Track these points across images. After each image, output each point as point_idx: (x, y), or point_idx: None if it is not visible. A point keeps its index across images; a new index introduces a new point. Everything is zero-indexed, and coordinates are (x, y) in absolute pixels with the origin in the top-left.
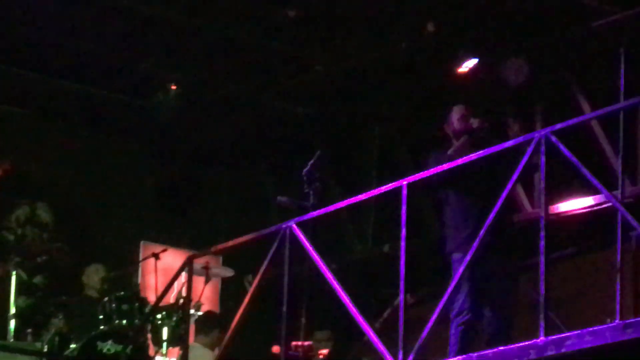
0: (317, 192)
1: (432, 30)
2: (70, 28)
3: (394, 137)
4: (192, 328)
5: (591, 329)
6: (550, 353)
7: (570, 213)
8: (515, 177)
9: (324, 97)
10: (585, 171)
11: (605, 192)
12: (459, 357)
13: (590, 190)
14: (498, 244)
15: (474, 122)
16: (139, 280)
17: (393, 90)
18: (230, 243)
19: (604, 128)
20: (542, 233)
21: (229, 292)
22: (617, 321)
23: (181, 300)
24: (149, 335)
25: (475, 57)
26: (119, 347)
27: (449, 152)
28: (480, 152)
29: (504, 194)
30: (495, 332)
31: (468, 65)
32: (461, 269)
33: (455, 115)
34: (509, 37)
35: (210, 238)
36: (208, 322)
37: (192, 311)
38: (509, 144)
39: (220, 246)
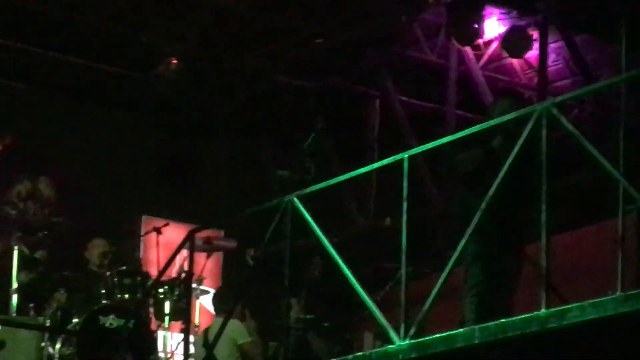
0: (319, 166)
1: (432, 2)
2: (70, 2)
3: (395, 110)
4: (194, 302)
5: (593, 300)
6: (552, 325)
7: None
8: (516, 150)
9: (324, 70)
10: (587, 144)
11: (606, 164)
12: (462, 329)
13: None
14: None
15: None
16: (141, 254)
17: (394, 63)
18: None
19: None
20: (544, 206)
21: (231, 266)
22: (618, 293)
23: (183, 275)
24: (151, 310)
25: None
26: (121, 322)
27: (457, 157)
28: (479, 125)
29: (504, 169)
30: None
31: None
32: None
33: (500, 107)
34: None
35: (211, 212)
36: (225, 297)
37: (194, 285)
38: (510, 116)
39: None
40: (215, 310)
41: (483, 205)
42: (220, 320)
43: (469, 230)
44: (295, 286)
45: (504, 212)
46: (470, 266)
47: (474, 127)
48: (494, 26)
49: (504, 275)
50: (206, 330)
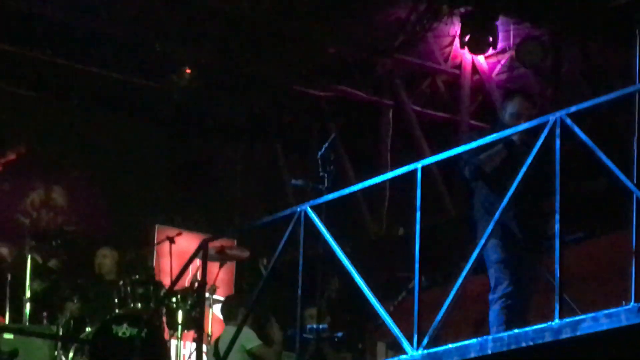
0: (332, 175)
1: (446, 13)
2: (84, 10)
3: (408, 120)
4: (207, 312)
5: (606, 311)
6: (565, 336)
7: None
8: (530, 160)
9: (339, 78)
10: (600, 154)
11: (620, 175)
12: (474, 339)
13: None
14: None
15: (518, 136)
16: (154, 263)
17: (407, 71)
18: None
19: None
20: (557, 216)
21: (244, 275)
22: (632, 303)
23: (196, 284)
24: (164, 319)
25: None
26: (134, 331)
27: (481, 156)
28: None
29: (519, 178)
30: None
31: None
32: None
33: (511, 108)
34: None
35: (225, 221)
36: (234, 305)
37: (207, 294)
38: (524, 126)
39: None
40: (224, 319)
41: (504, 203)
42: (230, 329)
43: (489, 233)
44: (309, 296)
45: (527, 215)
46: (496, 273)
47: (487, 137)
48: (507, 36)
49: (530, 281)
50: (217, 340)
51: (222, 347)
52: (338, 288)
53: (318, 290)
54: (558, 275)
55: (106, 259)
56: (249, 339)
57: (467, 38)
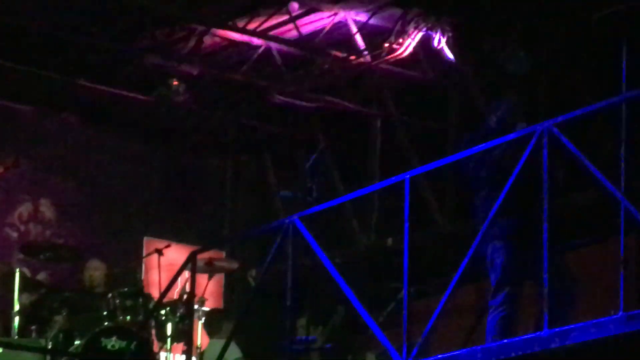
0: (321, 186)
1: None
2: (75, 23)
3: (397, 130)
4: (196, 324)
5: (595, 321)
6: (554, 345)
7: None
8: (518, 169)
9: (326, 91)
10: (588, 163)
11: (608, 184)
12: (463, 350)
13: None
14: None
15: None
16: (143, 276)
17: (395, 82)
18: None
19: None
20: (545, 225)
21: (233, 287)
22: (620, 313)
23: (185, 296)
24: (153, 331)
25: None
26: (123, 343)
27: (495, 152)
28: (484, 144)
29: (507, 187)
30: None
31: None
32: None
33: (505, 104)
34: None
35: (213, 233)
36: (217, 320)
37: (196, 306)
38: (512, 136)
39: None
40: (208, 333)
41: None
42: (215, 342)
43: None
44: (299, 308)
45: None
46: (498, 278)
47: (476, 147)
48: None
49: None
50: (202, 354)
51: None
52: (343, 316)
53: (307, 301)
54: (546, 285)
55: (95, 272)
56: (232, 352)
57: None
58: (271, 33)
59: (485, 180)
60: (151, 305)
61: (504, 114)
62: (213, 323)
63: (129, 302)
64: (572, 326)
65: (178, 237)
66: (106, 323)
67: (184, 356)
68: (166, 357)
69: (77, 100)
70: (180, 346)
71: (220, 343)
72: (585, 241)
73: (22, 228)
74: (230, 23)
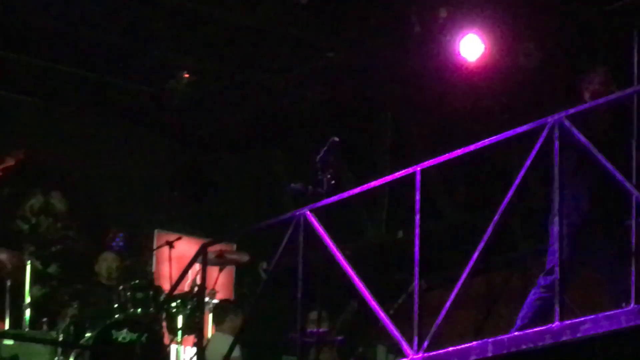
0: (331, 179)
1: (444, 15)
2: (83, 16)
3: (407, 123)
4: (207, 316)
5: (607, 313)
6: (565, 338)
7: None
8: (529, 162)
9: (336, 84)
10: (599, 155)
11: (619, 177)
12: (475, 342)
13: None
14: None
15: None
16: (153, 268)
17: (406, 75)
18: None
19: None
20: (556, 218)
21: (244, 280)
22: (632, 305)
23: (196, 288)
24: (164, 324)
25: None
26: (134, 336)
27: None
28: (492, 137)
29: (518, 180)
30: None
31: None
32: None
33: (599, 77)
34: (522, 22)
35: (224, 225)
36: (223, 312)
37: (206, 299)
38: (523, 129)
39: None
40: (214, 323)
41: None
42: (218, 335)
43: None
44: (310, 300)
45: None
46: (553, 257)
47: (489, 139)
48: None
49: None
50: (204, 347)
51: (208, 354)
52: (355, 310)
53: (318, 293)
54: (558, 277)
55: (108, 264)
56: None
57: (462, 41)
58: None
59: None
60: (162, 298)
61: (596, 87)
62: (218, 314)
63: (139, 295)
64: (584, 318)
65: (189, 229)
66: (117, 315)
67: (194, 348)
68: (177, 350)
69: (87, 93)
70: (191, 338)
71: (222, 337)
72: None
73: (33, 220)
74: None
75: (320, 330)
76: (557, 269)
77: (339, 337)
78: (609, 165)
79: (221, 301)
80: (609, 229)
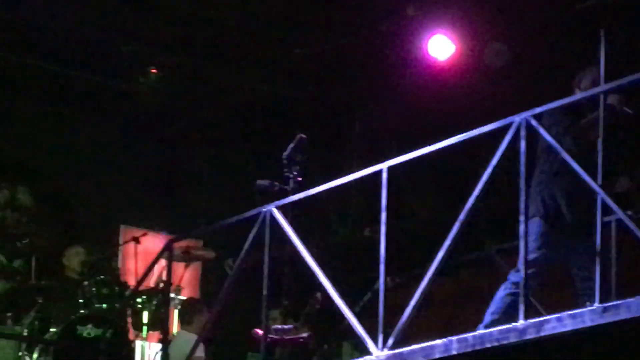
0: (298, 176)
1: (412, 13)
2: (52, 10)
3: (375, 120)
4: (173, 312)
5: (571, 312)
6: (529, 336)
7: None
8: (495, 160)
9: (305, 80)
10: (565, 155)
11: (584, 175)
12: (439, 340)
13: None
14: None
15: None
16: (119, 264)
17: (374, 72)
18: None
19: None
20: (522, 217)
21: (209, 276)
22: (596, 304)
23: (161, 284)
24: (129, 319)
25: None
26: (99, 331)
27: (582, 122)
28: (459, 135)
29: (484, 178)
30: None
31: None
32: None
33: (589, 75)
34: (490, 20)
35: (191, 221)
36: (190, 310)
37: (172, 295)
38: (489, 127)
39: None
40: (180, 322)
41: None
42: (183, 333)
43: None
44: (275, 297)
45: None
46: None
47: (456, 137)
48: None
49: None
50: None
51: (172, 352)
52: (320, 303)
53: (283, 291)
54: (524, 275)
55: (76, 258)
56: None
57: (430, 39)
58: None
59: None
60: (127, 293)
61: (587, 87)
62: (186, 313)
63: (105, 290)
64: (548, 317)
65: (155, 225)
66: (82, 311)
67: (159, 344)
68: (142, 345)
69: (55, 88)
70: (156, 334)
71: (187, 335)
72: None
73: None
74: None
75: (286, 327)
76: (521, 267)
77: (304, 334)
78: (575, 165)
79: (189, 299)
80: (587, 229)
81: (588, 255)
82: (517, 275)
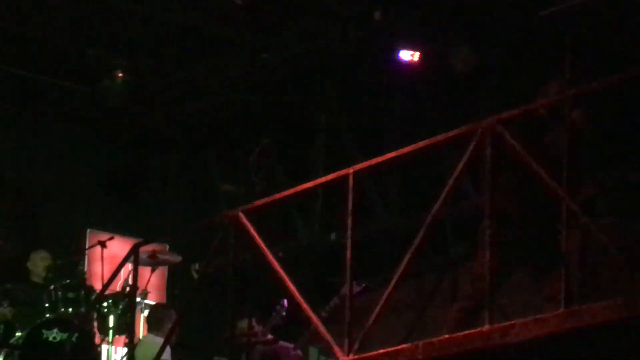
0: (264, 180)
1: (378, 19)
2: (17, 15)
3: (341, 125)
4: (138, 317)
5: (536, 317)
6: (495, 341)
7: None
8: (460, 166)
9: (271, 85)
10: (530, 160)
11: (550, 181)
12: (405, 345)
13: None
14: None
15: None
16: (85, 268)
17: (340, 78)
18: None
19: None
20: (487, 222)
21: (176, 280)
22: (562, 309)
23: (127, 288)
24: (95, 324)
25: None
26: (65, 335)
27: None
28: (425, 141)
29: (451, 183)
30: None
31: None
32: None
33: (554, 89)
34: (456, 26)
35: (157, 226)
36: (158, 315)
37: (138, 299)
38: (454, 133)
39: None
40: (148, 327)
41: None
42: (150, 337)
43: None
44: (241, 301)
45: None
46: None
47: (422, 142)
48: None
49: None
50: (134, 348)
51: (138, 356)
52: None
53: (249, 298)
54: (488, 278)
55: (42, 262)
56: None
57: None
58: None
59: None
60: (93, 298)
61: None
62: (155, 319)
63: (71, 294)
64: (513, 322)
65: (121, 229)
66: (48, 315)
67: (125, 349)
68: (108, 350)
69: (19, 90)
70: (122, 338)
71: (153, 339)
72: None
73: None
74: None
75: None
76: (488, 270)
77: (270, 337)
78: (542, 172)
79: (157, 305)
80: (540, 236)
81: (542, 261)
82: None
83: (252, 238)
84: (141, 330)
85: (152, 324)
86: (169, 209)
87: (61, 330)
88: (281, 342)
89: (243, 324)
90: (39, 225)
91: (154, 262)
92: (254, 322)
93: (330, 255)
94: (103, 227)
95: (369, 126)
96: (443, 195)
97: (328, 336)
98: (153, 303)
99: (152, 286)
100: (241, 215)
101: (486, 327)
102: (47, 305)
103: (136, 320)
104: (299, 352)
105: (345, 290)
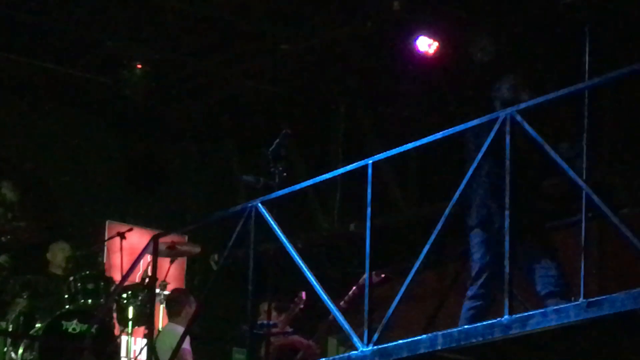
0: (283, 171)
1: (398, 9)
2: (37, 6)
3: (360, 115)
4: (158, 308)
5: (555, 307)
6: (514, 332)
7: None
8: (481, 154)
9: (290, 76)
10: (549, 150)
11: (569, 170)
12: (425, 335)
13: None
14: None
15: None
16: (105, 259)
17: (359, 68)
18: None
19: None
20: (507, 212)
21: (195, 271)
22: (581, 300)
23: (146, 280)
24: (115, 315)
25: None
26: (84, 327)
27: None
28: (444, 131)
29: (470, 172)
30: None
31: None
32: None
33: (505, 84)
34: (476, 17)
35: (176, 217)
36: (178, 300)
37: (157, 290)
38: (474, 122)
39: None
40: (168, 314)
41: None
42: (171, 326)
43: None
44: (261, 292)
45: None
46: (475, 267)
47: (440, 133)
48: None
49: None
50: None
51: (159, 345)
52: (304, 303)
53: (269, 285)
54: (508, 270)
55: (61, 253)
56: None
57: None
58: None
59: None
60: (113, 289)
61: (504, 95)
62: (174, 305)
63: (90, 286)
64: (532, 312)
65: (140, 220)
66: (67, 306)
67: (145, 340)
68: (127, 341)
69: (40, 83)
70: (142, 330)
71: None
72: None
73: None
74: None
75: (271, 322)
76: (506, 262)
77: (289, 329)
78: (560, 160)
79: (176, 290)
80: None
81: (525, 256)
82: (472, 289)
83: (271, 229)
84: (160, 321)
85: (173, 309)
86: (188, 200)
87: (81, 321)
88: (297, 337)
89: (264, 307)
90: (59, 216)
91: (173, 253)
92: (273, 312)
93: (349, 245)
94: (122, 219)
95: (387, 116)
96: (463, 184)
97: (347, 326)
98: None
99: (171, 277)
100: (260, 205)
101: (506, 317)
102: (66, 296)
103: (155, 311)
104: (315, 344)
105: (364, 280)
